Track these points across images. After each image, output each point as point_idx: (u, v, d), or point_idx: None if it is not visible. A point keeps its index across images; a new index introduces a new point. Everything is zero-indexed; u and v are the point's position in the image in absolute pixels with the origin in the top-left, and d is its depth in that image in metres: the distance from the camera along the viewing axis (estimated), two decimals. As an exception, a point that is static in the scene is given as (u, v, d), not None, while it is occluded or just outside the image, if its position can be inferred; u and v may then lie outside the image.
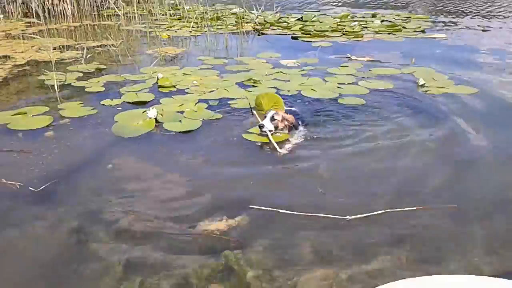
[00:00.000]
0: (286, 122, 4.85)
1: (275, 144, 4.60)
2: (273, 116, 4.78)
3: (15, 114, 5.46)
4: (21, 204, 3.72)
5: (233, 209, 3.61)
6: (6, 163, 4.40)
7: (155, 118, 5.27)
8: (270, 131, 4.72)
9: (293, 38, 10.72)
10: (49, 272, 3.00)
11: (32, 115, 5.48)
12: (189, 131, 5.09)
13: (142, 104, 5.96)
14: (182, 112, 5.59)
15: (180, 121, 5.30)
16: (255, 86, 6.59)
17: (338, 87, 6.54)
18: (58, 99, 6.16)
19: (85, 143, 4.84)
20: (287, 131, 4.89)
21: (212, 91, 6.42)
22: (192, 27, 11.89)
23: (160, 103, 5.95)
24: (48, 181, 3.98)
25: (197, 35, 11.11)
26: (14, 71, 7.63)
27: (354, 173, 4.20)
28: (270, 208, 3.57)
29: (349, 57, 8.42)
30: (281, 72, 7.37)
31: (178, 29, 11.90)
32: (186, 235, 3.34)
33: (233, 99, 6.08)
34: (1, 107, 5.87)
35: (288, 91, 6.39)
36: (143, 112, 5.40)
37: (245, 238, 3.28)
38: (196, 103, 5.89)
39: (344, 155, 4.49)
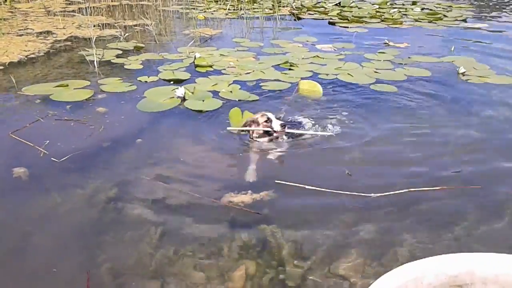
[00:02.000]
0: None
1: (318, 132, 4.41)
2: (279, 117, 4.45)
3: (57, 86, 5.64)
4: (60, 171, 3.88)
5: (258, 184, 3.65)
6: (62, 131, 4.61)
7: (183, 97, 5.34)
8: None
9: (330, 23, 10.60)
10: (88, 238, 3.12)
11: (74, 88, 5.64)
12: (211, 110, 5.13)
13: (178, 82, 6.04)
14: (215, 91, 5.64)
15: (203, 100, 5.35)
16: (292, 69, 6.58)
17: (375, 72, 6.47)
18: (99, 74, 6.32)
19: (121, 117, 4.97)
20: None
21: (248, 72, 6.44)
22: (228, 9, 11.90)
23: (196, 82, 6.02)
24: (78, 151, 4.13)
25: (233, 18, 11.12)
26: (56, 46, 7.84)
27: (380, 158, 4.17)
28: (296, 184, 3.59)
29: (386, 43, 8.29)
30: (317, 56, 7.32)
31: (214, 11, 11.94)
32: (213, 206, 3.40)
33: (269, 80, 6.11)
34: (44, 79, 6.07)
35: (327, 74, 6.36)
36: (172, 90, 5.50)
37: (269, 212, 3.32)
38: (230, 84, 5.92)
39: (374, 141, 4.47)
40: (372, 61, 7.11)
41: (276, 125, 4.25)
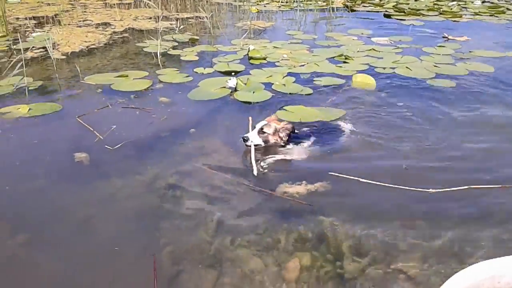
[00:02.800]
0: (281, 135, 4.04)
1: (254, 165, 3.73)
2: (262, 129, 3.99)
3: (117, 76, 5.82)
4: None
5: (312, 175, 3.60)
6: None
7: (235, 87, 5.40)
8: (256, 145, 3.95)
9: (385, 15, 10.36)
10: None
11: (133, 78, 5.80)
12: (259, 102, 5.15)
13: (234, 74, 6.07)
14: (269, 83, 5.64)
15: (253, 92, 5.36)
16: (346, 62, 6.48)
17: (435, 67, 6.26)
18: (158, 65, 6.46)
19: (182, 108, 5.05)
20: (283, 144, 4.07)
21: (303, 65, 6.40)
22: (281, 2, 11.85)
23: (250, 74, 6.04)
24: (139, 138, 4.24)
25: (286, 10, 11.07)
26: (114, 37, 8.07)
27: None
28: (350, 176, 3.53)
29: (445, 37, 8.00)
30: (373, 49, 7.17)
31: (267, 3, 11.92)
32: (268, 196, 3.41)
33: (323, 75, 6.03)
34: (105, 70, 6.28)
35: (384, 68, 6.22)
36: (225, 80, 5.57)
37: (323, 204, 3.29)
38: (284, 76, 5.89)
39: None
40: (431, 55, 6.89)
41: (253, 136, 3.98)
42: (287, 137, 4.03)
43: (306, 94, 5.37)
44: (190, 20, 9.85)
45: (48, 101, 5.10)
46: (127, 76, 5.82)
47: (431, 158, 3.91)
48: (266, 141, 3.99)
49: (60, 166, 3.87)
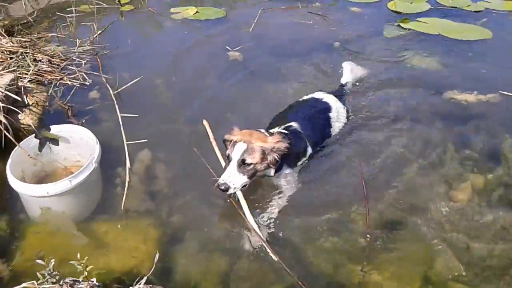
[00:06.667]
0: (270, 158, 2.59)
1: (255, 226, 2.50)
2: (243, 160, 2.55)
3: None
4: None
5: (484, 88, 3.48)
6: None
7: None
8: (243, 186, 2.61)
9: None
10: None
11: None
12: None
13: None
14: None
15: (411, 2, 5.11)
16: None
17: None
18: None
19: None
20: (273, 168, 2.66)
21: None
22: None
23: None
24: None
25: None
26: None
27: None
28: None
29: None
30: None
31: None
32: (432, 102, 3.41)
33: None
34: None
35: None
36: None
37: (497, 119, 3.17)
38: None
39: None
40: None
41: (233, 178, 2.53)
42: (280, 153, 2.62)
43: (474, 11, 4.88)
44: None
45: (215, 5, 5.33)
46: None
47: None
48: (253, 175, 2.62)
49: (218, 63, 4.17)
